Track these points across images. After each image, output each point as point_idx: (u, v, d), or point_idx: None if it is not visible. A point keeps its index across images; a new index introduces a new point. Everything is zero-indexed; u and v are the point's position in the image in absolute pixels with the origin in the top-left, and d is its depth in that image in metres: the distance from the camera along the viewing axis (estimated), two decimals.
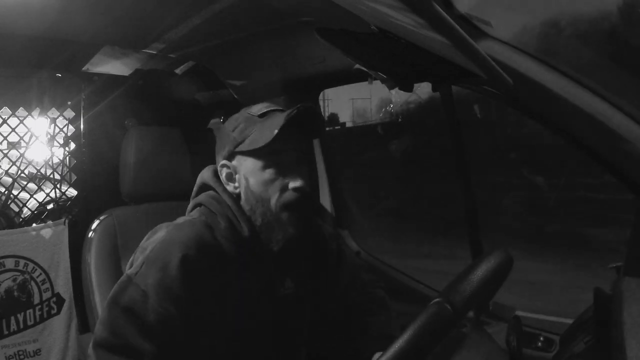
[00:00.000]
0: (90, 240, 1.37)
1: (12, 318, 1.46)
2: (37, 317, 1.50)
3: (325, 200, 1.80)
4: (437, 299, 0.67)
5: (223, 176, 1.02)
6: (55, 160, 1.67)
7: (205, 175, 1.06)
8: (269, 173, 0.96)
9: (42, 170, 1.67)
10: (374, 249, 1.77)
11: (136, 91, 1.72)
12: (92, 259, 1.34)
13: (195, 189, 1.08)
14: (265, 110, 0.99)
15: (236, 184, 1.01)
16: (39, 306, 1.51)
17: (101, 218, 1.41)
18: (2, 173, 1.58)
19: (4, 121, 1.56)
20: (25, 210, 1.62)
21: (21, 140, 1.61)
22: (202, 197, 1.03)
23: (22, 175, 1.62)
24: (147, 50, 1.54)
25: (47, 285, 1.53)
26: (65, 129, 1.67)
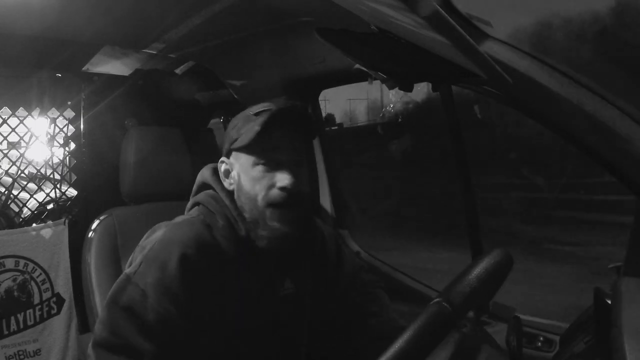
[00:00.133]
0: (90, 240, 1.37)
1: (12, 318, 1.46)
2: (37, 317, 1.50)
3: (325, 200, 1.80)
4: (437, 299, 0.67)
5: (221, 172, 1.05)
6: (55, 160, 1.67)
7: (204, 174, 1.08)
8: (257, 170, 0.97)
9: (42, 170, 1.67)
10: (373, 249, 1.77)
11: (136, 91, 1.72)
12: (92, 259, 1.34)
13: (194, 187, 1.09)
14: (262, 109, 1.01)
15: (231, 181, 1.03)
16: (39, 306, 1.51)
17: (101, 218, 1.41)
18: (2, 173, 1.58)
19: (4, 121, 1.56)
20: (25, 210, 1.62)
21: (21, 140, 1.61)
22: (200, 196, 1.05)
23: (22, 175, 1.62)
24: (147, 50, 1.54)
25: (47, 285, 1.53)
26: (65, 129, 1.67)
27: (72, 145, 1.68)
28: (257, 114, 1.00)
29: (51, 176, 1.67)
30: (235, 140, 1.00)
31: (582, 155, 0.88)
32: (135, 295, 0.88)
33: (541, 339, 1.25)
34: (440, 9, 0.59)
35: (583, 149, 0.87)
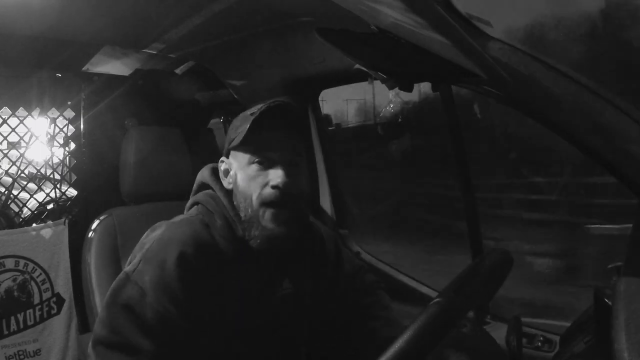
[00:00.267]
0: (90, 240, 1.37)
1: (12, 318, 1.46)
2: (37, 317, 1.50)
3: (325, 200, 1.80)
4: (437, 299, 0.67)
5: (221, 171, 1.06)
6: (55, 160, 1.67)
7: (204, 174, 1.08)
8: (252, 169, 0.98)
9: (42, 170, 1.67)
10: (373, 249, 1.77)
11: (136, 91, 1.72)
12: (92, 259, 1.34)
13: (194, 187, 1.10)
14: (257, 109, 1.01)
15: (230, 180, 1.03)
16: (39, 306, 1.51)
17: (101, 218, 1.41)
18: (2, 173, 1.58)
19: (4, 121, 1.56)
20: (25, 210, 1.62)
21: (21, 140, 1.61)
22: (199, 195, 1.05)
23: (22, 175, 1.62)
24: (147, 50, 1.54)
25: (47, 285, 1.53)
26: (65, 129, 1.67)
27: (72, 145, 1.68)
28: (252, 114, 1.00)
29: (51, 176, 1.67)
30: (233, 139, 1.01)
31: (583, 155, 0.88)
32: (133, 293, 0.88)
33: (541, 339, 1.25)
34: (440, 9, 0.59)
35: (583, 149, 0.87)
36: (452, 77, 1.00)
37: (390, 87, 0.96)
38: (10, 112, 1.57)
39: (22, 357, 1.45)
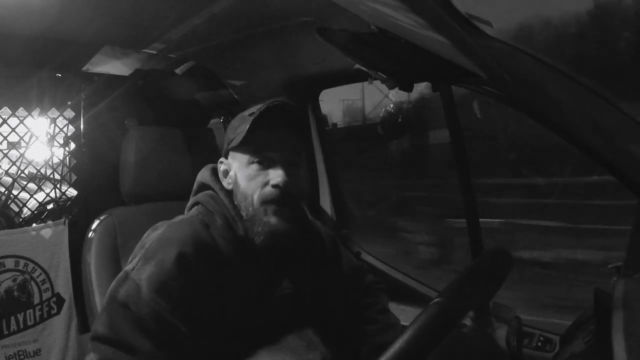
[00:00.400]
0: (90, 240, 1.37)
1: (12, 318, 1.45)
2: (37, 317, 1.50)
3: (325, 200, 1.80)
4: (437, 299, 0.67)
5: (220, 172, 1.06)
6: (55, 160, 1.67)
7: (204, 174, 1.09)
8: (252, 169, 0.99)
9: (42, 170, 1.67)
10: (373, 249, 1.77)
11: (136, 91, 1.72)
12: (92, 259, 1.34)
13: (194, 187, 1.10)
14: (256, 109, 1.02)
15: (229, 180, 1.04)
16: (39, 306, 1.51)
17: (101, 218, 1.41)
18: (2, 173, 1.58)
19: (4, 121, 1.56)
20: (25, 210, 1.62)
21: (21, 140, 1.61)
22: (200, 196, 1.06)
23: (22, 175, 1.61)
24: (147, 50, 1.54)
25: (47, 285, 1.53)
26: (65, 129, 1.67)
27: (72, 145, 1.68)
28: (251, 114, 1.01)
29: (51, 176, 1.66)
30: (232, 140, 1.02)
31: (582, 155, 0.88)
32: (131, 290, 0.89)
33: (541, 339, 1.25)
34: (440, 9, 0.59)
35: (583, 149, 0.87)
36: (452, 77, 1.00)
37: (390, 87, 0.96)
38: (10, 112, 1.57)
39: (22, 357, 1.45)
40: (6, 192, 1.57)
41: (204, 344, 0.92)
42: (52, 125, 1.66)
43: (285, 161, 0.99)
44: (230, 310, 0.95)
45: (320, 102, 1.85)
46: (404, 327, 0.65)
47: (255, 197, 0.97)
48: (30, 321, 1.49)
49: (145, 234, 1.02)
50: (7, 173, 1.57)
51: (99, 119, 1.66)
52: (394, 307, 1.25)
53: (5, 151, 1.59)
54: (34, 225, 1.58)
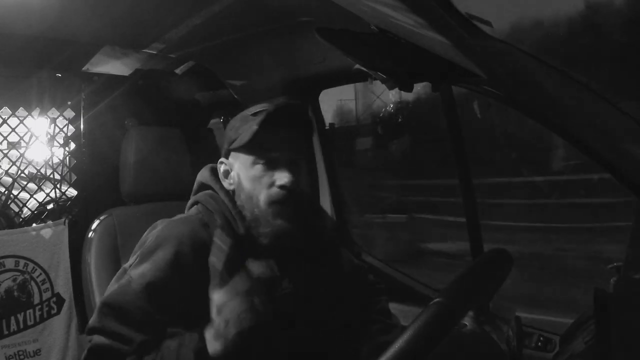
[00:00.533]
0: (90, 240, 1.37)
1: (12, 318, 1.46)
2: (37, 317, 1.50)
3: (325, 200, 1.80)
4: (437, 299, 0.67)
5: (221, 173, 1.06)
6: (55, 160, 1.67)
7: (204, 174, 1.09)
8: (257, 169, 0.99)
9: (42, 170, 1.67)
10: (373, 249, 1.77)
11: (136, 91, 1.72)
12: (92, 259, 1.34)
13: (194, 187, 1.11)
14: (259, 109, 1.02)
15: (231, 181, 1.04)
16: (39, 306, 1.51)
17: (101, 218, 1.41)
18: (2, 173, 1.58)
19: (4, 121, 1.56)
20: (25, 210, 1.62)
21: (21, 140, 1.61)
22: (200, 195, 1.06)
23: (22, 175, 1.62)
24: (147, 50, 1.54)
25: (47, 285, 1.53)
26: (65, 129, 1.67)
27: (72, 145, 1.68)
28: (254, 114, 1.01)
29: (51, 176, 1.66)
30: (234, 140, 1.02)
31: (583, 154, 0.88)
32: (123, 285, 0.92)
33: (541, 339, 1.25)
34: (440, 9, 0.59)
35: (583, 149, 0.87)
36: (452, 77, 1.00)
37: (390, 87, 0.96)
38: (10, 112, 1.57)
39: (22, 357, 1.45)
40: (6, 192, 1.57)
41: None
42: (52, 125, 1.66)
43: (289, 161, 0.99)
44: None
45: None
46: (404, 327, 0.65)
47: (261, 197, 0.98)
48: (30, 321, 1.49)
49: (145, 233, 1.03)
50: (7, 173, 1.57)
51: (99, 119, 1.66)
52: (394, 307, 1.25)
53: (5, 151, 1.59)
54: (34, 225, 1.58)
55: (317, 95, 1.77)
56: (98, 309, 0.92)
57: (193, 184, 1.11)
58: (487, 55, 0.74)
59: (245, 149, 1.00)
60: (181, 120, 1.68)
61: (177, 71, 1.77)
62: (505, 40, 0.88)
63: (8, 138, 1.58)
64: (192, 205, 1.07)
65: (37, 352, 1.48)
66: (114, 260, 1.35)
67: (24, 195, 1.61)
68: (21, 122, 1.59)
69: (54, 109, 1.64)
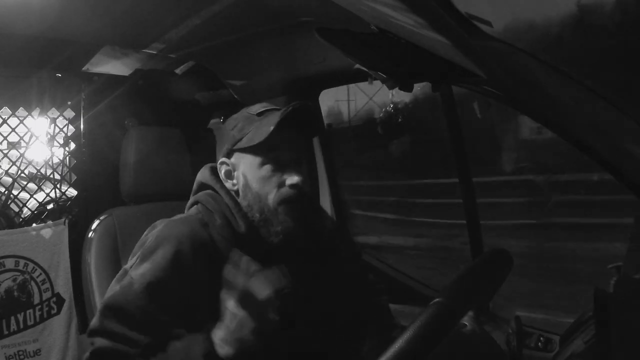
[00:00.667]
0: (90, 240, 1.37)
1: (12, 318, 1.46)
2: (37, 317, 1.50)
3: (325, 200, 1.80)
4: (437, 299, 0.67)
5: (222, 173, 1.05)
6: (55, 160, 1.67)
7: (203, 173, 1.09)
8: (266, 170, 0.99)
9: (42, 170, 1.67)
10: (372, 249, 1.77)
11: (136, 91, 1.72)
12: (92, 259, 1.34)
13: (194, 187, 1.10)
14: (263, 109, 1.03)
15: (234, 181, 1.03)
16: (39, 306, 1.51)
17: (101, 218, 1.41)
18: (2, 173, 1.58)
19: (4, 121, 1.56)
20: (25, 210, 1.62)
21: (21, 140, 1.61)
22: (200, 195, 1.06)
23: (22, 175, 1.62)
24: (147, 50, 1.54)
25: (47, 285, 1.53)
26: (65, 129, 1.67)
27: (72, 145, 1.68)
28: (259, 114, 1.01)
29: (51, 176, 1.66)
30: (239, 140, 1.01)
31: (583, 154, 0.88)
32: (125, 286, 0.91)
33: (541, 339, 1.25)
34: (440, 9, 0.59)
35: (583, 149, 0.87)
36: (452, 77, 1.00)
37: (390, 87, 0.96)
38: (10, 112, 1.57)
39: (22, 357, 1.45)
40: (6, 192, 1.57)
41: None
42: (52, 125, 1.66)
43: (298, 161, 1.00)
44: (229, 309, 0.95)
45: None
46: (404, 327, 0.65)
47: (271, 197, 0.98)
48: (30, 321, 1.49)
49: (145, 233, 1.03)
50: (7, 173, 1.57)
51: (99, 119, 1.66)
52: (394, 307, 1.25)
53: (5, 151, 1.59)
54: (34, 225, 1.58)
55: (317, 95, 1.77)
56: (100, 312, 0.91)
57: (193, 184, 1.11)
58: (487, 55, 0.74)
59: (253, 149, 0.99)
60: (181, 120, 1.68)
61: (177, 71, 1.77)
62: (505, 40, 0.88)
63: (8, 138, 1.58)
64: (192, 205, 1.07)
65: (37, 352, 1.48)
66: (114, 260, 1.35)
67: (24, 195, 1.61)
68: (21, 122, 1.59)
69: (54, 109, 1.64)
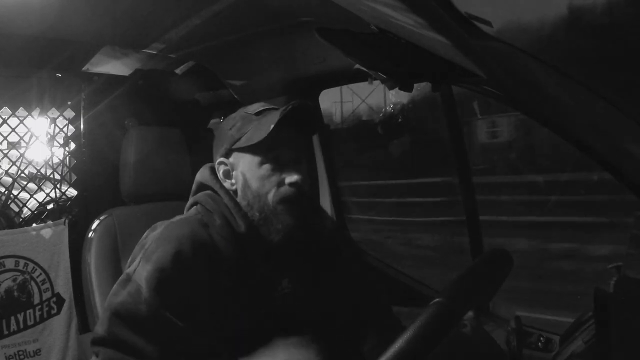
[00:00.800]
0: (90, 240, 1.37)
1: (12, 318, 1.46)
2: (37, 317, 1.50)
3: (325, 200, 1.80)
4: (437, 299, 0.67)
5: (220, 173, 1.05)
6: (55, 160, 1.67)
7: (203, 174, 1.08)
8: (265, 169, 0.99)
9: (42, 170, 1.67)
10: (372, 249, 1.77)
11: (136, 91, 1.72)
12: (92, 259, 1.34)
13: (193, 187, 1.10)
14: (261, 108, 1.02)
15: (233, 181, 1.03)
16: (39, 306, 1.51)
17: (101, 218, 1.41)
18: (2, 173, 1.58)
19: (4, 121, 1.56)
20: (25, 210, 1.62)
21: (21, 140, 1.61)
22: (199, 195, 1.06)
23: (22, 175, 1.62)
24: (147, 50, 1.54)
25: (47, 285, 1.53)
26: (65, 129, 1.67)
27: (72, 145, 1.68)
28: (257, 114, 1.01)
29: (51, 176, 1.66)
30: (238, 140, 1.01)
31: (583, 154, 0.88)
32: (133, 291, 0.89)
33: (541, 339, 1.25)
34: (440, 9, 0.59)
35: (583, 149, 0.87)
36: (452, 77, 1.00)
37: (390, 87, 0.96)
38: (10, 112, 1.57)
39: (22, 357, 1.45)
40: (6, 192, 1.57)
41: (203, 342, 0.92)
42: (52, 125, 1.66)
43: (297, 159, 1.00)
44: (230, 309, 0.95)
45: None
46: (404, 327, 0.65)
47: (271, 196, 0.98)
48: (30, 321, 1.49)
49: (144, 234, 1.03)
50: (7, 173, 1.58)
51: (99, 119, 1.66)
52: (394, 307, 1.24)
53: (5, 151, 1.59)
54: (34, 225, 1.58)
55: (317, 95, 1.77)
56: (107, 319, 0.89)
57: (193, 184, 1.11)
58: (487, 55, 0.74)
59: (253, 148, 0.99)
60: (181, 120, 1.68)
61: (177, 71, 1.77)
62: (504, 40, 0.88)
63: (8, 138, 1.58)
64: (191, 205, 1.07)
65: (37, 352, 1.48)
66: (114, 260, 1.35)
67: (24, 195, 1.61)
68: (21, 122, 1.59)
69: (54, 109, 1.64)
